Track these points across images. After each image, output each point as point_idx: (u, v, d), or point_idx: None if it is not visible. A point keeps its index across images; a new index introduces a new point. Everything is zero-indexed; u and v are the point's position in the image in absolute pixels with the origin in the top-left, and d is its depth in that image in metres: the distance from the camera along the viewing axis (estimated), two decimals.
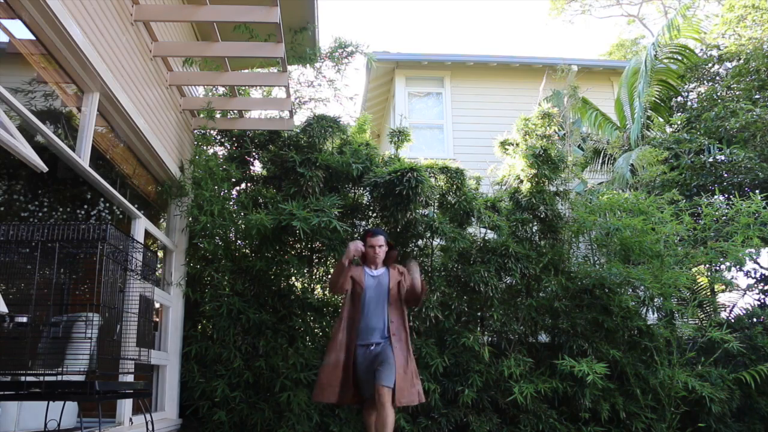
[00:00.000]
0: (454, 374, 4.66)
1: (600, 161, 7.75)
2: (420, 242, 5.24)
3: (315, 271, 5.25)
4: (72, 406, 3.00)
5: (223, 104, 5.06)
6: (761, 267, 6.42)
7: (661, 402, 4.66)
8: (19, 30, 2.65)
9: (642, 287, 5.11)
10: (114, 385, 2.68)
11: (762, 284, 6.34)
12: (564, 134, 6.26)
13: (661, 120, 7.95)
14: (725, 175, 6.49)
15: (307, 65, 5.96)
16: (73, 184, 4.22)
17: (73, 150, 2.98)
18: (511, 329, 4.87)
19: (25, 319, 2.35)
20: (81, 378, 2.48)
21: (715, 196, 6.12)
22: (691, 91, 8.38)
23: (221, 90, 5.44)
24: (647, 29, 19.03)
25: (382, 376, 3.08)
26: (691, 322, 5.38)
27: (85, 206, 4.36)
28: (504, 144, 5.87)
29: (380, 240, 3.52)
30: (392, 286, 3.43)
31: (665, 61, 7.77)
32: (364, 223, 5.37)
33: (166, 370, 4.34)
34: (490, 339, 5.03)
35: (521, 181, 5.48)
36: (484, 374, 4.62)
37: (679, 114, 7.98)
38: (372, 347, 3.29)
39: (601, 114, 8.16)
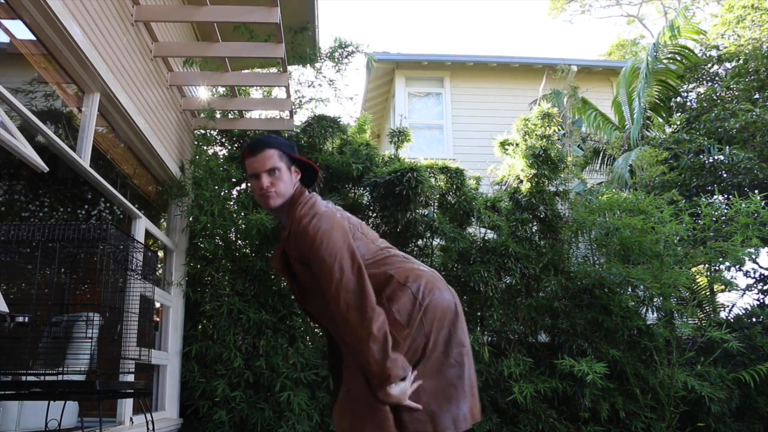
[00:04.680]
0: None
1: (599, 161, 7.76)
2: (420, 242, 5.24)
3: None
4: (73, 406, 3.00)
5: (224, 104, 5.06)
6: (760, 267, 6.42)
7: (660, 401, 4.66)
8: (19, 30, 2.66)
9: (641, 287, 5.12)
10: (114, 385, 2.69)
11: (761, 284, 6.34)
12: (564, 134, 6.27)
13: (660, 120, 7.96)
14: (725, 175, 6.49)
15: (308, 65, 5.97)
16: (74, 184, 4.23)
17: (74, 150, 2.99)
18: (510, 329, 4.87)
19: (25, 319, 2.36)
20: (81, 378, 2.49)
21: (715, 197, 6.13)
22: (691, 92, 8.39)
23: (221, 90, 5.45)
24: (647, 29, 19.07)
25: None
26: (690, 321, 5.38)
27: (86, 206, 4.37)
28: (504, 144, 5.88)
29: (267, 158, 1.68)
30: (298, 273, 1.71)
31: (665, 61, 7.78)
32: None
33: (167, 369, 4.34)
34: (489, 339, 5.03)
35: (521, 181, 5.48)
36: (483, 374, 4.63)
37: (678, 114, 7.98)
38: None
39: (601, 114, 8.17)
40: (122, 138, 3.85)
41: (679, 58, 7.84)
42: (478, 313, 5.11)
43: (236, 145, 5.51)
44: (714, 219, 5.04)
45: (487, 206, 5.37)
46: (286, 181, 1.70)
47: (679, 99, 8.22)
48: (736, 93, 7.49)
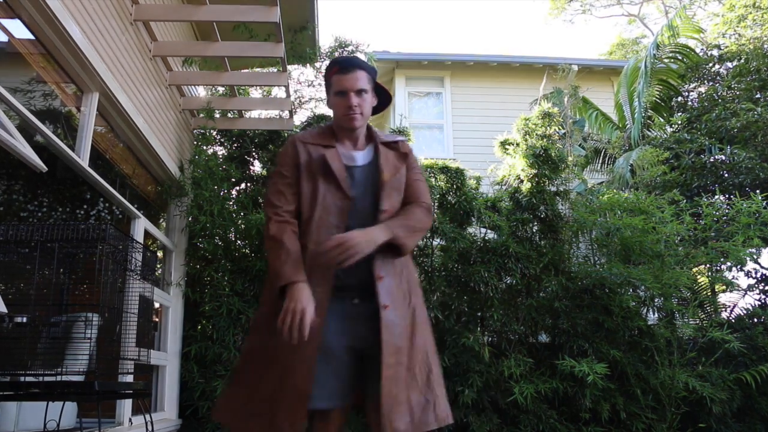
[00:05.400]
0: (454, 374, 4.65)
1: (600, 161, 7.75)
2: (420, 242, 5.23)
3: None
4: (71, 407, 3.00)
5: (223, 104, 5.05)
6: (762, 267, 6.40)
7: (661, 402, 4.65)
8: (18, 30, 2.65)
9: (642, 287, 5.10)
10: (113, 385, 2.68)
11: (763, 284, 6.32)
12: (564, 134, 6.25)
13: (661, 120, 7.94)
14: (726, 175, 6.48)
15: (307, 65, 5.96)
16: (73, 184, 4.22)
17: (73, 150, 2.98)
18: (511, 329, 4.86)
19: (24, 319, 2.35)
20: (80, 378, 2.48)
21: (716, 197, 6.11)
22: (692, 91, 8.38)
23: (221, 90, 5.44)
24: (648, 29, 19.05)
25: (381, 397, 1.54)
26: (691, 322, 5.37)
27: (85, 206, 4.36)
28: (504, 144, 5.86)
29: (357, 78, 1.69)
30: (387, 177, 1.70)
31: (665, 60, 7.77)
32: None
33: (166, 370, 4.33)
34: (490, 339, 5.02)
35: (521, 181, 5.47)
36: (484, 374, 4.61)
37: (679, 114, 7.97)
38: (355, 302, 1.66)
39: (602, 114, 8.15)
40: (121, 138, 3.84)
41: (680, 58, 7.82)
42: (479, 314, 5.09)
43: (236, 144, 5.50)
44: (715, 219, 5.02)
45: (487, 206, 5.35)
46: (369, 105, 1.78)
47: (680, 98, 8.21)
48: (738, 92, 7.47)
